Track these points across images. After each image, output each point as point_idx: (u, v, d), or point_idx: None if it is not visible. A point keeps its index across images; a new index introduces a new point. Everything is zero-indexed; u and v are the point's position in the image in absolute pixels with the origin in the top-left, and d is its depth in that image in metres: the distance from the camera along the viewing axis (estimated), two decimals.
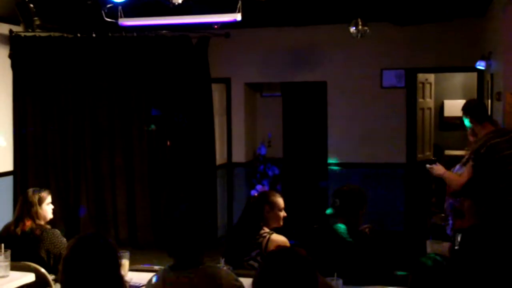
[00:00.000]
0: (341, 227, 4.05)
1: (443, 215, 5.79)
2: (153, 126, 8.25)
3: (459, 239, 3.75)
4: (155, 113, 8.27)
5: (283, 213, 4.42)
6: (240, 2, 6.58)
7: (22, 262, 4.36)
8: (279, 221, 4.41)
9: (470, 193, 3.68)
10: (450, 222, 5.48)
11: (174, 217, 3.24)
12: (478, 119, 5.04)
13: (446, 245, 4.22)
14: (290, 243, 4.20)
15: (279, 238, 4.23)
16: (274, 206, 4.37)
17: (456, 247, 3.76)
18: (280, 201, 4.43)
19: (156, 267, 4.00)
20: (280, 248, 2.99)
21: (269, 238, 4.21)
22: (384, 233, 8.04)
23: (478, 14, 7.85)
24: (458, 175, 5.17)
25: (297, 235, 4.98)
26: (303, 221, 7.19)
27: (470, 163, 4.91)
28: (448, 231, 5.49)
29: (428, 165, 6.00)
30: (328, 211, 4.23)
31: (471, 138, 5.28)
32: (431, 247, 4.21)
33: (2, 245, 4.17)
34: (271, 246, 4.09)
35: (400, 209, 8.64)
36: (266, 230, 4.29)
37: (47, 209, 4.77)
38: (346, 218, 4.06)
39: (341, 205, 4.09)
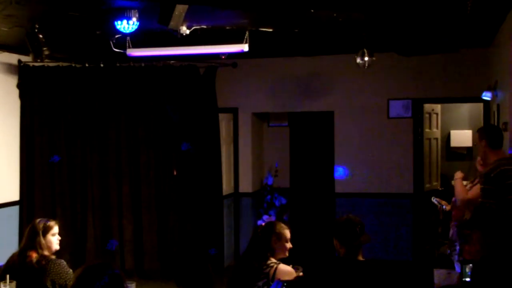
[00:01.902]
0: None
1: (448, 242, 5.77)
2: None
3: (467, 270, 3.72)
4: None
5: (289, 245, 4.47)
6: (247, 32, 6.62)
7: None
8: (285, 252, 4.45)
9: (479, 224, 3.64)
10: (457, 248, 5.43)
11: (182, 247, 3.25)
12: (493, 144, 4.89)
13: (454, 275, 4.19)
14: None
15: (286, 268, 4.24)
16: (281, 237, 4.42)
17: (465, 279, 3.73)
18: (287, 232, 4.47)
19: None
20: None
21: (276, 267, 4.22)
22: (392, 263, 8.04)
23: (484, 44, 7.88)
24: (467, 189, 5.18)
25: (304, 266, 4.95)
26: (311, 251, 7.14)
27: (479, 185, 4.86)
28: (455, 257, 5.43)
29: (433, 198, 6.00)
30: None
31: (479, 167, 5.21)
32: (438, 277, 4.18)
33: (8, 276, 4.15)
34: (278, 276, 4.10)
35: (408, 239, 8.58)
36: (273, 260, 4.30)
37: (52, 240, 4.66)
38: (345, 249, 4.02)
39: (339, 236, 4.05)
